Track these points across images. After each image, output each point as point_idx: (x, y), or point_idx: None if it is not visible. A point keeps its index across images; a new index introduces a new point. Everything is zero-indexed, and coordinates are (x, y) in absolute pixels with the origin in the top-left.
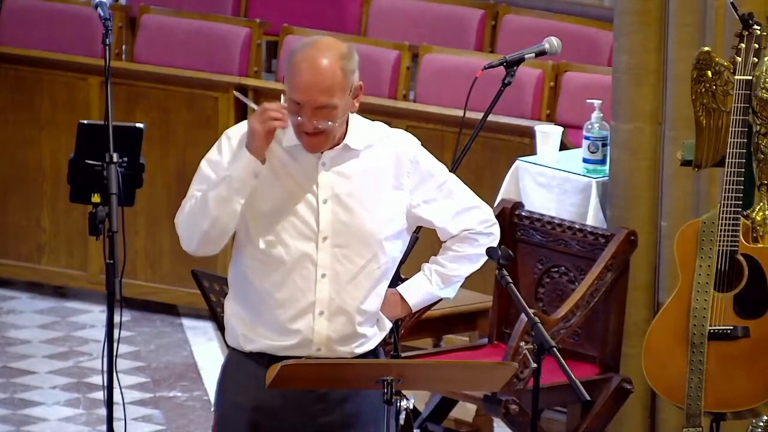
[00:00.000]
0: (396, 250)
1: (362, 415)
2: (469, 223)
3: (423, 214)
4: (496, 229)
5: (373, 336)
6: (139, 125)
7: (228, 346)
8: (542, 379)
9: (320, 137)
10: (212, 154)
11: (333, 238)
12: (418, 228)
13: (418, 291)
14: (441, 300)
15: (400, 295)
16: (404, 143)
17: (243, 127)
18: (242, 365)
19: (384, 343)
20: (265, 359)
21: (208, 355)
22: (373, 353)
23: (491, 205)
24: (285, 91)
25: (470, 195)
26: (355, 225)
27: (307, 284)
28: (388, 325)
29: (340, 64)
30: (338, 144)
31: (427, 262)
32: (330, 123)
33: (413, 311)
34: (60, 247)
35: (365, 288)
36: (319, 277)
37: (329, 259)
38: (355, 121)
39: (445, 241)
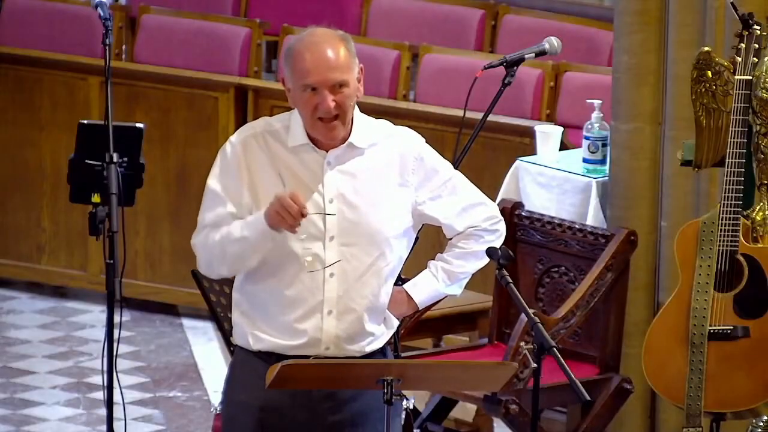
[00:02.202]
0: (402, 247)
1: (370, 413)
2: (475, 220)
3: (428, 211)
4: (502, 226)
5: (381, 334)
6: (139, 125)
7: (235, 344)
8: (542, 379)
9: (337, 122)
10: (217, 170)
11: (340, 237)
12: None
13: (424, 288)
14: (445, 298)
15: (407, 292)
16: (409, 140)
17: (246, 131)
18: (250, 364)
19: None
20: (273, 358)
21: (208, 355)
22: (381, 351)
23: None
24: (288, 89)
25: (475, 192)
26: (361, 223)
27: (315, 283)
28: (395, 323)
29: (343, 44)
30: (343, 142)
31: (432, 260)
32: (346, 101)
33: (420, 309)
34: (60, 247)
35: (373, 286)
36: (327, 276)
37: (337, 258)
38: (360, 119)
39: (450, 239)
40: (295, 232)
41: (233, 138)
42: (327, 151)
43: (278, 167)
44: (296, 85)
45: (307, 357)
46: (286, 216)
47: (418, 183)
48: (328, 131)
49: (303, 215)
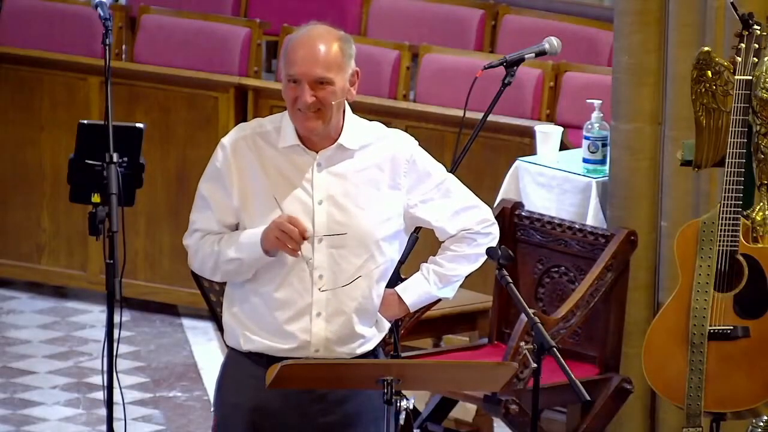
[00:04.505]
0: (393, 250)
1: (362, 415)
2: (467, 223)
3: (420, 213)
4: (495, 229)
5: (372, 336)
6: (139, 125)
7: (227, 345)
8: (542, 379)
9: (315, 116)
10: (207, 173)
11: (329, 238)
12: (418, 228)
13: (416, 291)
14: (440, 300)
15: (398, 295)
16: (401, 143)
17: (236, 133)
18: (241, 365)
19: (384, 343)
20: (263, 359)
21: (208, 355)
22: (372, 354)
23: (491, 205)
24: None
25: (468, 195)
26: (350, 225)
27: (304, 286)
28: (387, 325)
29: (339, 43)
30: (333, 143)
31: (426, 261)
32: (327, 98)
33: (411, 311)
34: (60, 247)
35: (363, 288)
36: (317, 279)
37: (326, 260)
38: (352, 120)
39: (443, 241)
40: (297, 255)
41: (224, 140)
42: (317, 153)
43: (268, 169)
44: (283, 75)
45: (298, 358)
46: (287, 241)
47: (410, 185)
48: (305, 121)
49: (305, 238)
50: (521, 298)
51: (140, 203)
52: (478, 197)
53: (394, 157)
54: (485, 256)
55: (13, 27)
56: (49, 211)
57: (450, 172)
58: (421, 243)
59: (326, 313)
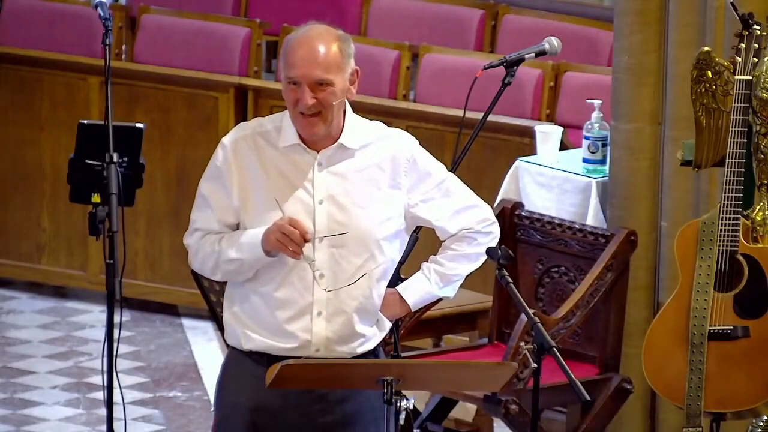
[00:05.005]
0: (394, 250)
1: (362, 414)
2: (468, 222)
3: (421, 213)
4: (496, 228)
5: (373, 336)
6: (139, 125)
7: (228, 345)
8: (542, 379)
9: (317, 119)
10: (207, 173)
11: (330, 238)
12: (418, 228)
13: (417, 290)
14: (441, 299)
15: (399, 294)
16: (401, 142)
17: (236, 132)
18: (242, 365)
19: (384, 343)
20: (264, 359)
21: (208, 355)
22: (372, 353)
23: (491, 205)
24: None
25: (469, 194)
26: (351, 225)
27: (304, 285)
28: (388, 325)
29: (338, 43)
30: (334, 142)
31: (427, 261)
32: (327, 99)
33: (412, 311)
34: (60, 247)
35: (363, 288)
36: (317, 278)
37: (326, 259)
38: (352, 120)
39: (444, 241)
40: (298, 257)
41: (225, 140)
42: (318, 152)
43: (268, 168)
44: (283, 77)
45: (298, 358)
46: (288, 243)
47: (411, 185)
48: (308, 126)
49: (306, 240)
50: (521, 298)
51: (140, 203)
52: (478, 197)
53: (394, 157)
54: (486, 255)
55: (13, 27)
56: (49, 211)
57: (450, 172)
58: (421, 243)
59: (327, 313)
